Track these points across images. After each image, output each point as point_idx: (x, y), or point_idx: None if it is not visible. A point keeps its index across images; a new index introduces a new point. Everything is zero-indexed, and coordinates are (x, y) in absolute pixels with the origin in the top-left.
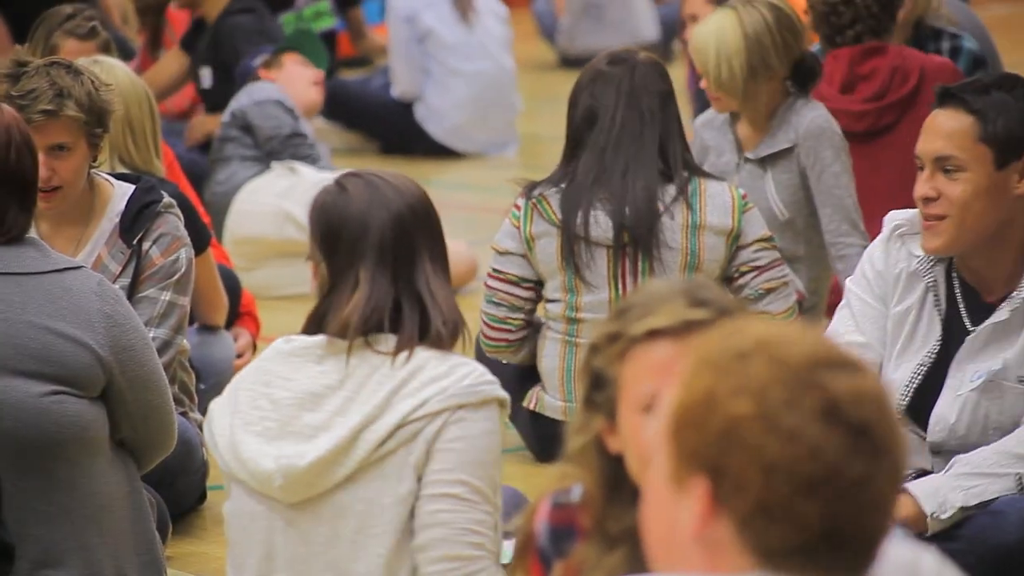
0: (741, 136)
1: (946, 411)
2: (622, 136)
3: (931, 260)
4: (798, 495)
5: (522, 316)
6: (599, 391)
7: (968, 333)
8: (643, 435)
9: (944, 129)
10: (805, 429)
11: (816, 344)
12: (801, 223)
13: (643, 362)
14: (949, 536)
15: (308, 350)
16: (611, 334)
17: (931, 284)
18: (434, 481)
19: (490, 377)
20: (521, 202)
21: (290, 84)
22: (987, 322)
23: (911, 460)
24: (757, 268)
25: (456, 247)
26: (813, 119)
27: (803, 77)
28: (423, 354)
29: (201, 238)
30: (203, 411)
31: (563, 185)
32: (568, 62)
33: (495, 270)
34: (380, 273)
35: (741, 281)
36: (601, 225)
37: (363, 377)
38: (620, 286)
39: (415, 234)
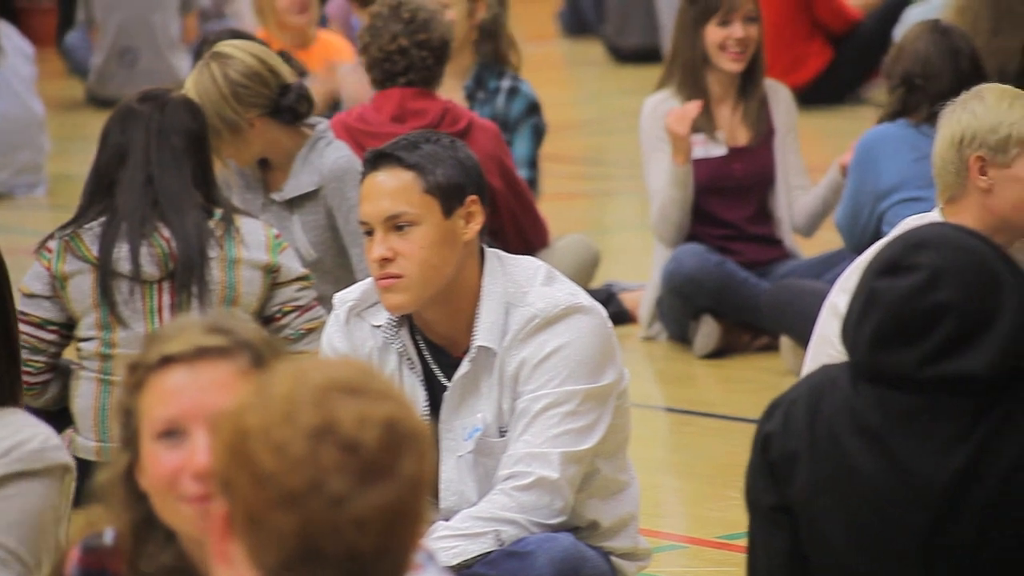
0: (267, 178)
1: (452, 475)
2: (156, 173)
3: (394, 326)
4: (277, 508)
5: (44, 359)
6: (127, 426)
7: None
8: (158, 463)
9: (388, 188)
10: (293, 443)
11: (346, 370)
12: (329, 263)
13: (157, 389)
14: None
15: None
16: (131, 365)
17: (401, 350)
18: None
19: (56, 442)
20: (52, 244)
21: None
22: (455, 377)
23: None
24: (299, 308)
25: None
26: (336, 160)
27: (286, 114)
28: None
29: None
30: None
31: (98, 222)
32: (98, 102)
33: (20, 312)
34: None
35: (284, 321)
36: (139, 260)
37: None
38: (158, 320)
39: None
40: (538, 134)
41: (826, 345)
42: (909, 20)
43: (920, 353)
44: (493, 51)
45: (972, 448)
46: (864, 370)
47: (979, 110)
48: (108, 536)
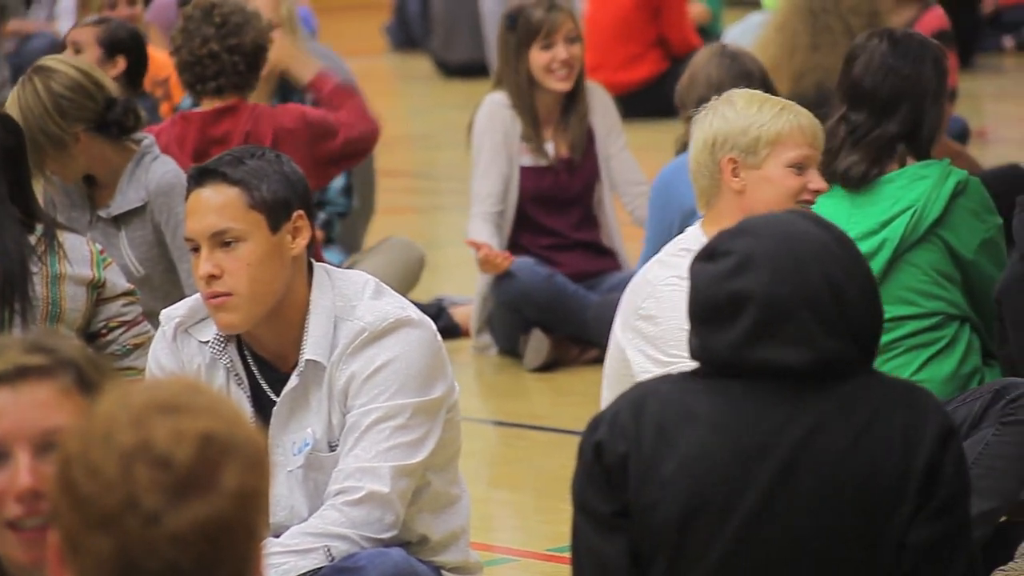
0: (94, 195)
1: (282, 490)
2: None
3: (222, 342)
4: (95, 531)
5: None
6: None
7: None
8: None
9: (213, 204)
10: (107, 465)
11: (169, 389)
12: (158, 279)
13: None
14: None
15: None
16: None
17: (229, 366)
18: None
19: None
20: None
21: None
22: (284, 392)
23: None
24: (125, 323)
25: None
26: (164, 175)
27: (113, 129)
28: None
29: None
30: None
31: None
32: None
33: None
34: None
35: (110, 337)
36: None
37: None
38: None
39: None
40: None
41: (624, 380)
42: (729, 39)
43: (729, 338)
44: None
45: (804, 430)
46: (694, 356)
47: (730, 114)
48: None
